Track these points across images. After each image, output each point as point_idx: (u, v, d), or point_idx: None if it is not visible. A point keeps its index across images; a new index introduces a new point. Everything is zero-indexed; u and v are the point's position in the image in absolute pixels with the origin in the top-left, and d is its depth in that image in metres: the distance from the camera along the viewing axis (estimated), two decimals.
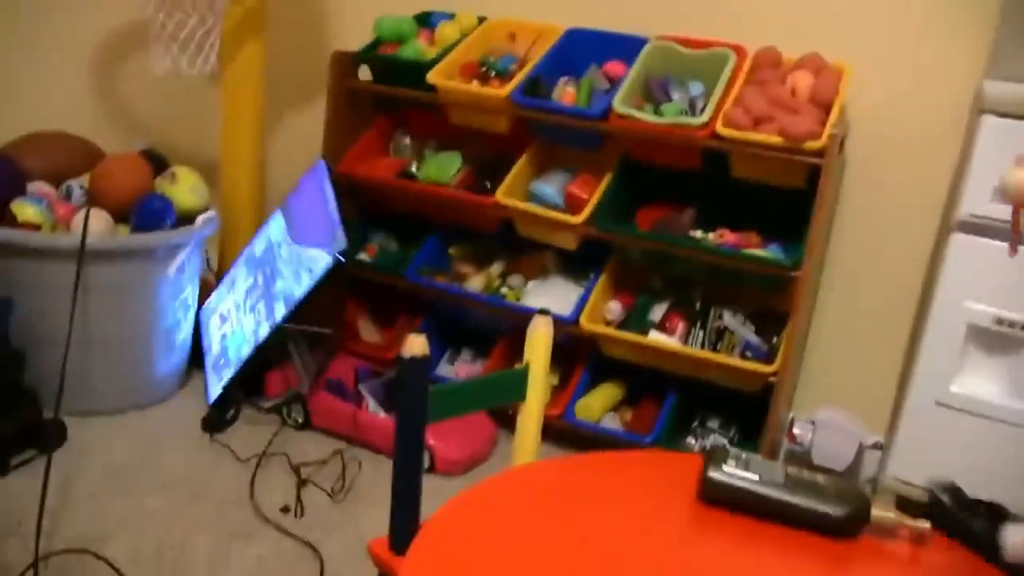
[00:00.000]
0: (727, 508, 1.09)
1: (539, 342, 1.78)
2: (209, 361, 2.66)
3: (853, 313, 2.57)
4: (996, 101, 2.03)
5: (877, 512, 1.06)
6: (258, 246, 2.69)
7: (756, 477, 1.10)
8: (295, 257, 2.49)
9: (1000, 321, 2.09)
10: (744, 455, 1.13)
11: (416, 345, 1.61)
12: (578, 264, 2.65)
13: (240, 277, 2.70)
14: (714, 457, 1.12)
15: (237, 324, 2.60)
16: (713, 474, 1.10)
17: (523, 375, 1.78)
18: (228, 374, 2.51)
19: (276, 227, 2.64)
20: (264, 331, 2.44)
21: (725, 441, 2.51)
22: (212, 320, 2.74)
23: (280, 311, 2.42)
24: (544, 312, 2.02)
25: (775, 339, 2.39)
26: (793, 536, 1.04)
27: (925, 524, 1.04)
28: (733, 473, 1.10)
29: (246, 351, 2.49)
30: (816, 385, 2.66)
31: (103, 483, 2.18)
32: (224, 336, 2.64)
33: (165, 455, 2.35)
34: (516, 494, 1.10)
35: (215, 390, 2.53)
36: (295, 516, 2.16)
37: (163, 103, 3.06)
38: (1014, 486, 2.14)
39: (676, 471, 1.16)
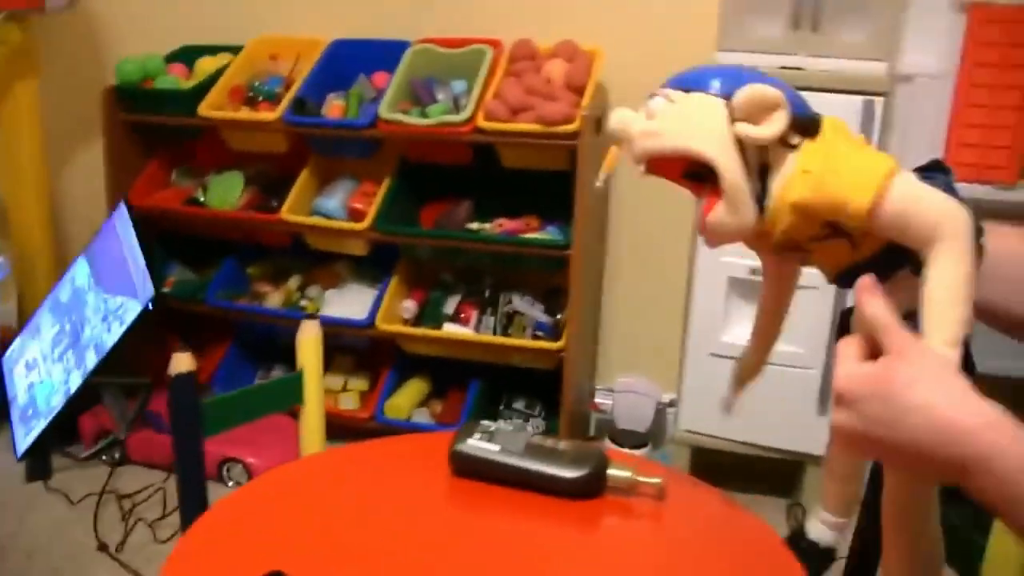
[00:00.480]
0: (478, 479, 1.13)
1: (309, 346, 1.84)
2: (15, 412, 2.59)
3: (639, 282, 2.71)
4: None
5: (612, 472, 1.10)
6: (63, 292, 2.64)
7: (497, 448, 1.15)
8: (103, 304, 2.46)
9: (755, 271, 2.26)
10: (494, 428, 1.17)
11: (182, 362, 1.64)
12: (371, 268, 2.71)
13: (45, 324, 2.65)
14: (463, 432, 1.16)
15: (45, 373, 2.55)
16: (458, 447, 1.14)
17: (298, 380, 1.83)
18: (39, 424, 2.45)
19: (81, 273, 2.61)
20: (76, 381, 2.41)
21: (531, 421, 2.61)
22: (17, 369, 2.67)
23: (91, 359, 2.39)
24: (311, 316, 2.08)
25: (559, 316, 2.50)
26: (537, 500, 1.09)
27: (657, 479, 1.09)
28: (476, 446, 1.14)
29: (57, 400, 2.44)
30: (617, 354, 2.80)
31: None
32: (31, 385, 2.58)
33: None
34: (282, 488, 1.13)
35: (24, 442, 2.47)
36: (116, 551, 2.16)
37: None
38: (789, 427, 2.31)
39: (437, 449, 1.20)
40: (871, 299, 0.75)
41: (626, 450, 2.53)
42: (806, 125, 0.81)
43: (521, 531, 1.05)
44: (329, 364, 2.77)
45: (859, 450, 0.73)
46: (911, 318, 0.80)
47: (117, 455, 2.55)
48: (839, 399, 0.72)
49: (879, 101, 2.15)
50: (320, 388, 1.84)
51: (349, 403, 2.68)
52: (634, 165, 0.85)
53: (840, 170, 0.78)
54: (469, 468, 1.13)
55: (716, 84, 0.81)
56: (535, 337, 2.50)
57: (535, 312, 2.54)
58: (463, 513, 1.10)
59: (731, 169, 0.79)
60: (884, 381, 0.69)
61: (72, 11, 2.63)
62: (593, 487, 1.10)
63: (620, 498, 1.10)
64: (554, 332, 2.50)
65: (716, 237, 0.82)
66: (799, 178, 0.79)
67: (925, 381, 0.68)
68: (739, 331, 2.31)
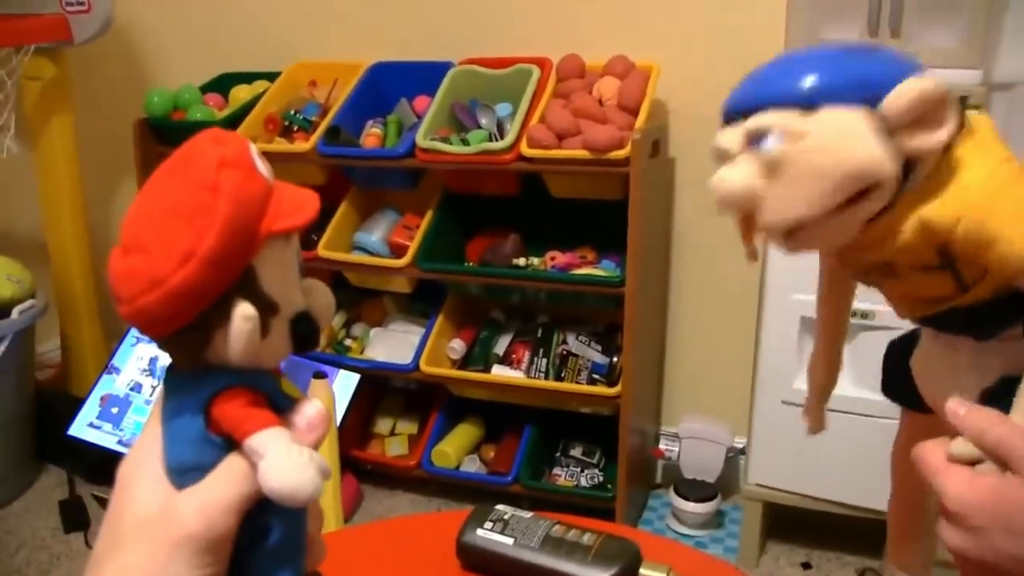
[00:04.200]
0: (487, 574, 0.99)
1: None
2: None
3: (705, 319, 2.48)
4: None
5: (645, 572, 0.95)
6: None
7: (510, 541, 1.00)
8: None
9: None
10: (509, 514, 1.03)
11: None
12: (419, 303, 2.55)
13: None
14: (473, 518, 1.02)
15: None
16: (466, 539, 1.00)
17: None
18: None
19: None
20: None
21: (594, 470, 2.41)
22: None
23: None
24: (320, 376, 1.93)
25: (616, 359, 2.29)
26: None
27: None
28: (487, 537, 1.00)
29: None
30: (683, 396, 2.57)
31: None
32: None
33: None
34: None
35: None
36: None
37: None
38: (862, 478, 2.05)
39: (449, 534, 1.05)
40: (989, 419, 0.59)
41: (691, 504, 2.31)
42: (960, 117, 0.62)
43: None
44: (378, 405, 2.63)
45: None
46: (1010, 385, 0.64)
47: None
48: (953, 519, 0.58)
49: (972, 115, 1.89)
50: (334, 455, 1.69)
51: (397, 448, 2.52)
52: (772, 240, 0.66)
53: (1005, 201, 0.60)
54: (478, 563, 1.00)
55: (847, 88, 0.60)
56: (591, 380, 2.30)
57: (591, 353, 2.33)
58: None
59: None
60: (1012, 505, 0.55)
61: (102, 40, 2.54)
62: None
63: None
64: (612, 374, 2.29)
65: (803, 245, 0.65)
66: (953, 194, 0.61)
67: None
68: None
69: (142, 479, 0.50)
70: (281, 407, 0.50)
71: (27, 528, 2.40)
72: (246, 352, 0.46)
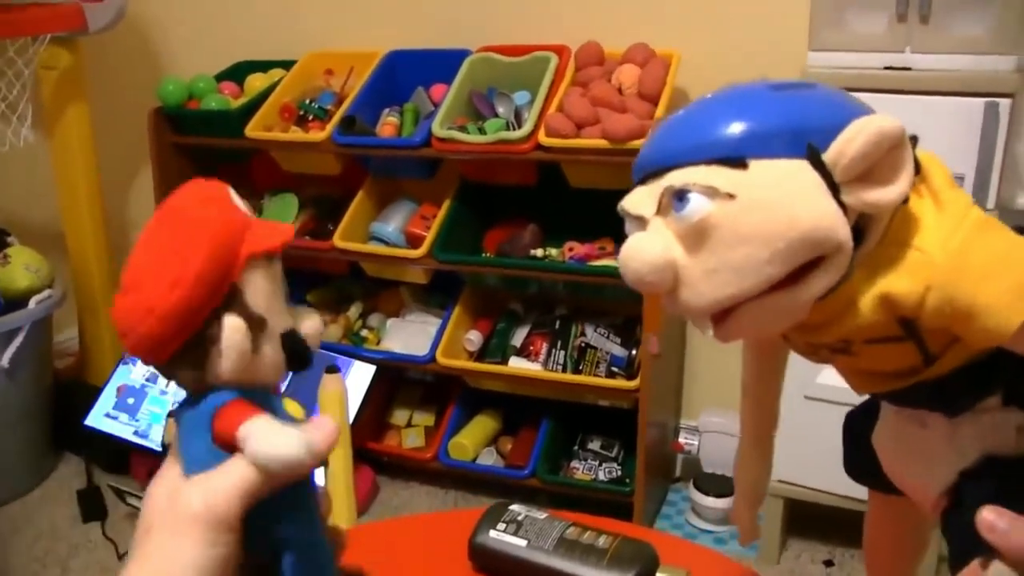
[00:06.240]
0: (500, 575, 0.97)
1: (332, 401, 1.67)
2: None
3: None
4: (820, 68, 1.92)
5: None
6: None
7: (524, 543, 0.98)
8: None
9: None
10: (523, 514, 1.00)
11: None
12: (436, 293, 2.52)
13: None
14: (486, 518, 1.00)
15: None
16: (478, 540, 0.98)
17: None
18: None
19: None
20: None
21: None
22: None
23: None
24: (332, 369, 1.90)
25: (635, 351, 2.26)
26: None
27: None
28: (499, 539, 0.98)
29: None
30: (704, 388, 2.54)
31: None
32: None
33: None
34: None
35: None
36: None
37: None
38: None
39: (462, 533, 1.03)
40: None
41: (711, 499, 2.27)
42: (916, 163, 0.53)
43: None
44: (395, 396, 2.61)
45: None
46: (994, 465, 0.57)
47: None
48: None
49: (1005, 103, 1.81)
50: (347, 450, 1.67)
51: (414, 440, 2.50)
52: (698, 325, 0.56)
53: (976, 259, 0.50)
54: (491, 564, 0.98)
55: (781, 135, 0.50)
56: (610, 373, 2.26)
57: (610, 345, 2.30)
58: None
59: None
60: None
61: (116, 29, 2.52)
62: None
63: None
64: (631, 366, 2.26)
65: (736, 331, 0.55)
66: (916, 260, 0.51)
67: None
68: (835, 372, 2.02)
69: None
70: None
71: (45, 518, 2.40)
72: (239, 364, 0.50)
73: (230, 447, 0.51)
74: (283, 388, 0.57)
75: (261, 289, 0.52)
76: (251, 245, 0.52)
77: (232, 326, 0.50)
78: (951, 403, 0.59)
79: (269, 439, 0.49)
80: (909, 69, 1.90)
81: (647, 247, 0.52)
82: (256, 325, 0.51)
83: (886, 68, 1.91)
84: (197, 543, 0.50)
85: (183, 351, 0.50)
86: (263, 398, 0.53)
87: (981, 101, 1.83)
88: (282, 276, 0.55)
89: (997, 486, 0.57)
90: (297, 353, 0.54)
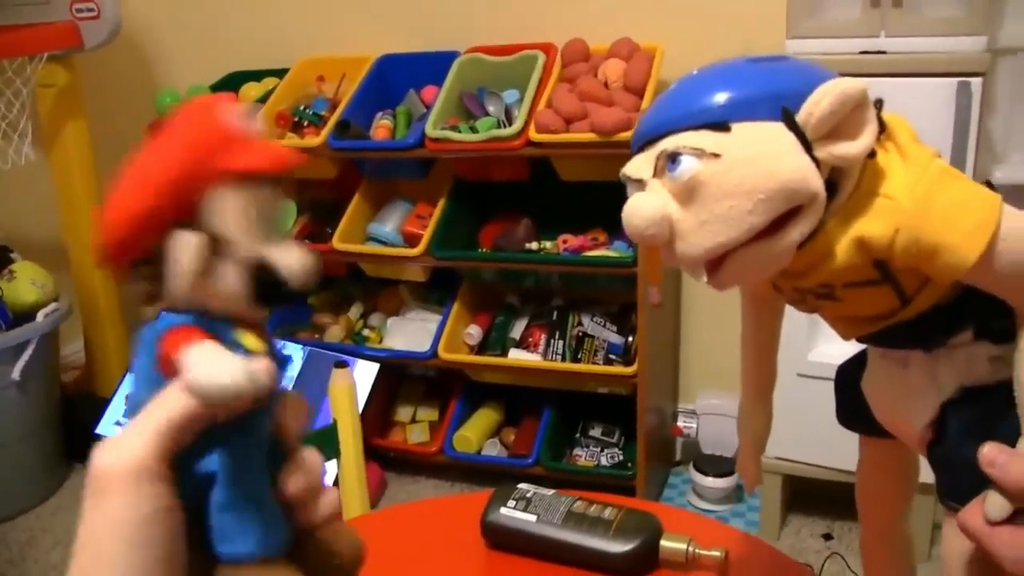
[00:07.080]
0: (513, 552, 1.02)
1: (342, 396, 1.72)
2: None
3: (717, 294, 2.48)
4: (798, 56, 1.97)
5: (666, 544, 0.95)
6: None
7: (533, 518, 1.02)
8: None
9: None
10: (531, 492, 1.05)
11: None
12: (435, 290, 2.58)
13: None
14: (496, 497, 1.05)
15: None
16: (490, 517, 1.03)
17: (331, 432, 1.71)
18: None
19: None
20: None
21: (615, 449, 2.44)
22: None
23: None
24: (341, 364, 1.96)
25: (632, 338, 2.32)
26: None
27: (719, 552, 0.92)
28: (510, 516, 1.02)
29: None
30: (700, 371, 2.59)
31: None
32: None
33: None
34: None
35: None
36: None
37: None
38: None
39: (473, 514, 1.08)
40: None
41: (711, 479, 2.33)
42: (880, 120, 0.59)
43: None
44: (398, 393, 2.67)
45: None
46: (971, 395, 0.63)
47: None
48: None
49: (977, 82, 1.88)
50: (358, 442, 1.71)
51: (418, 435, 2.55)
52: (694, 274, 0.62)
53: (939, 203, 0.56)
54: (502, 540, 1.02)
55: (758, 101, 0.57)
56: (608, 360, 2.32)
57: (607, 333, 2.36)
58: None
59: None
60: None
61: (111, 45, 2.56)
62: (643, 563, 0.95)
63: (676, 574, 0.95)
64: (628, 353, 2.32)
65: (730, 277, 0.62)
66: (885, 206, 0.57)
67: None
68: (828, 349, 2.08)
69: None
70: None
71: (60, 526, 2.44)
72: (189, 284, 0.47)
73: (173, 372, 0.46)
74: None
75: (233, 209, 0.48)
76: (232, 159, 0.48)
77: (184, 242, 0.46)
78: (928, 339, 0.65)
79: (209, 365, 0.45)
80: (884, 53, 1.96)
81: (645, 204, 0.58)
82: (216, 248, 0.47)
83: (862, 53, 1.96)
84: (119, 502, 0.45)
85: (144, 263, 0.48)
86: (218, 327, 0.48)
87: (954, 81, 1.89)
88: (271, 203, 0.50)
89: (976, 412, 0.63)
90: (266, 287, 0.48)
